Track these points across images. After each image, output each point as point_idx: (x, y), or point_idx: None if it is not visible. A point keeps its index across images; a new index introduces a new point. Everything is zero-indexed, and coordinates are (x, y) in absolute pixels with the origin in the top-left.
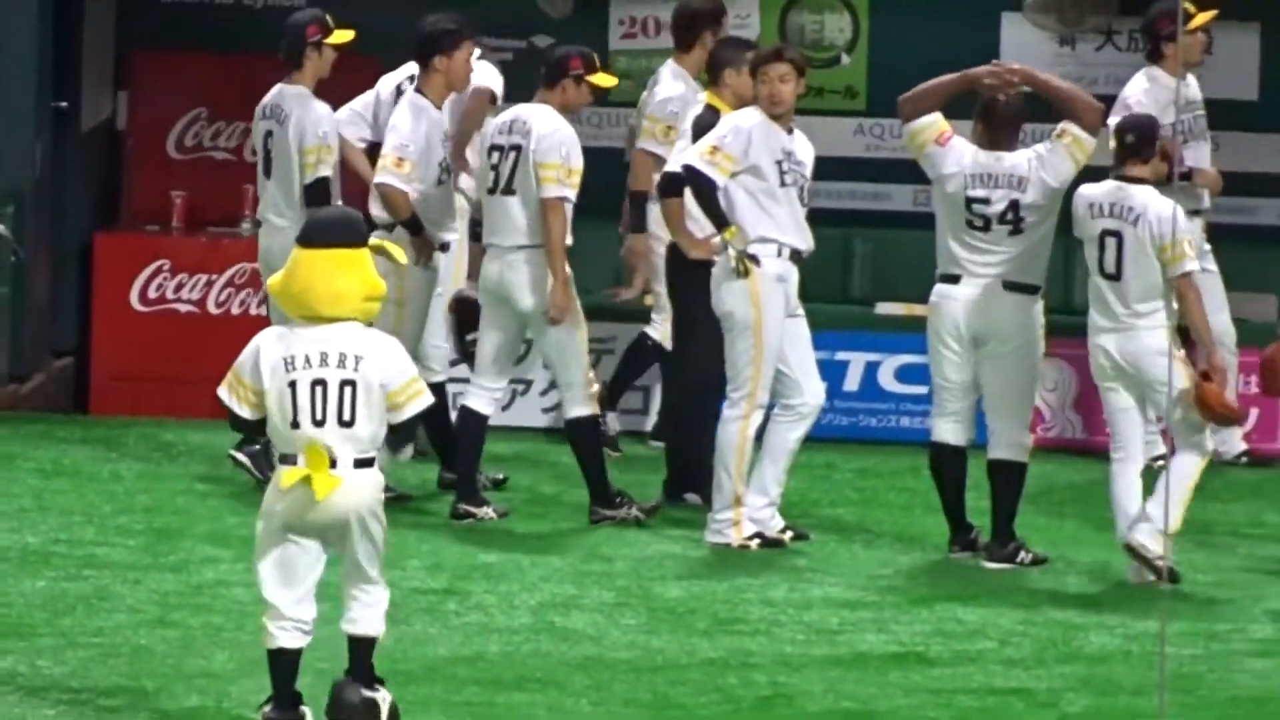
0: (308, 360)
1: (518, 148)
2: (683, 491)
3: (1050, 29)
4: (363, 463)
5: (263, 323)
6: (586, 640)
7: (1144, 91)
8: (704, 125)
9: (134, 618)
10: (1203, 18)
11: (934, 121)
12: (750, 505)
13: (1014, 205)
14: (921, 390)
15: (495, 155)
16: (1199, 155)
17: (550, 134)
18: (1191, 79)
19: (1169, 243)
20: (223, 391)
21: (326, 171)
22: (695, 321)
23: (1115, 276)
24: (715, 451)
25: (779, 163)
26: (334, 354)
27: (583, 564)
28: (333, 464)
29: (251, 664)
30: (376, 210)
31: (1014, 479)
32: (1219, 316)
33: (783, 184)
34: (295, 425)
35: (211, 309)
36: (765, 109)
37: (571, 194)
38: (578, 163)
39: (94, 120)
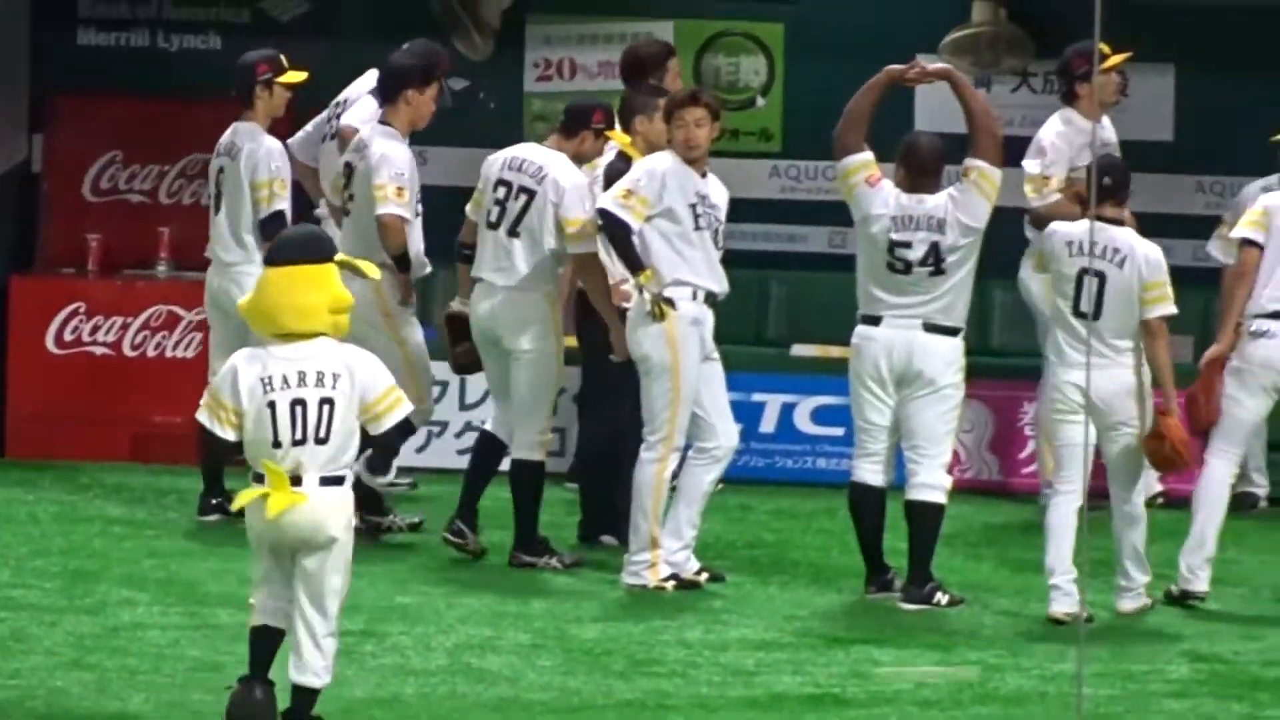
0: (285, 380)
1: (530, 192)
2: (599, 533)
3: (966, 71)
4: (330, 480)
5: (179, 364)
6: (503, 682)
7: (1059, 134)
8: (615, 173)
9: (50, 660)
10: (1117, 59)
11: (866, 161)
12: (666, 548)
13: (934, 248)
14: (837, 432)
15: (502, 190)
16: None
17: (573, 189)
18: (1107, 121)
19: (1156, 281)
20: (202, 415)
21: (282, 205)
22: (608, 364)
23: (1093, 315)
24: (632, 493)
25: (693, 206)
26: (312, 373)
27: (499, 605)
28: (297, 481)
29: (169, 706)
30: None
31: (932, 520)
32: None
33: (697, 227)
34: (276, 444)
35: (127, 351)
36: (680, 153)
37: (596, 246)
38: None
39: (9, 163)
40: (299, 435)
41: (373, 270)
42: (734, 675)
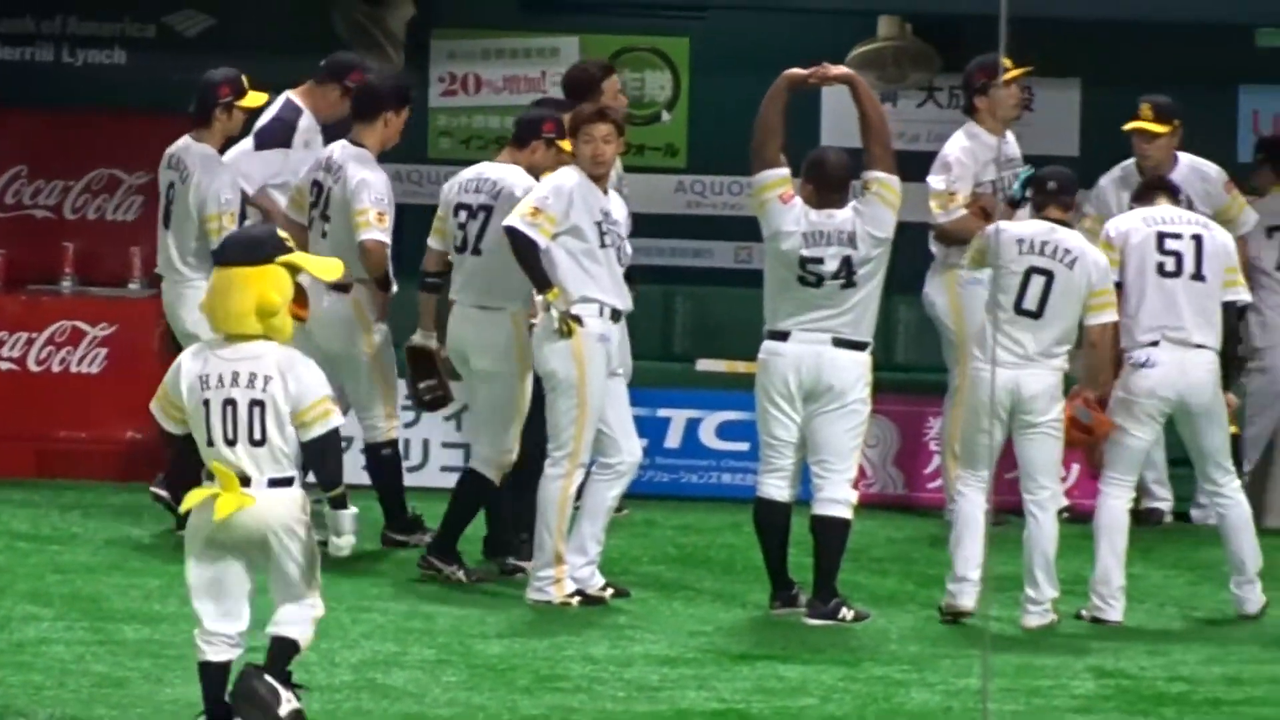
0: (220, 380)
1: (487, 208)
2: (500, 554)
3: (871, 86)
4: (279, 481)
5: (84, 380)
6: (408, 697)
7: (963, 149)
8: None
9: None
10: (1015, 72)
11: (783, 178)
12: (571, 564)
13: (847, 262)
14: (743, 447)
15: (463, 214)
16: (1018, 212)
17: (528, 197)
18: (1011, 136)
19: (1104, 289)
20: (154, 406)
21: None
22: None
23: (1035, 314)
24: (536, 510)
25: (598, 223)
26: (244, 374)
27: (405, 621)
28: (246, 482)
29: None
30: None
31: (838, 535)
32: None
33: (602, 245)
34: (210, 443)
35: (32, 367)
36: (588, 168)
37: None
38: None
39: None
40: (229, 435)
41: (330, 273)
42: (639, 691)
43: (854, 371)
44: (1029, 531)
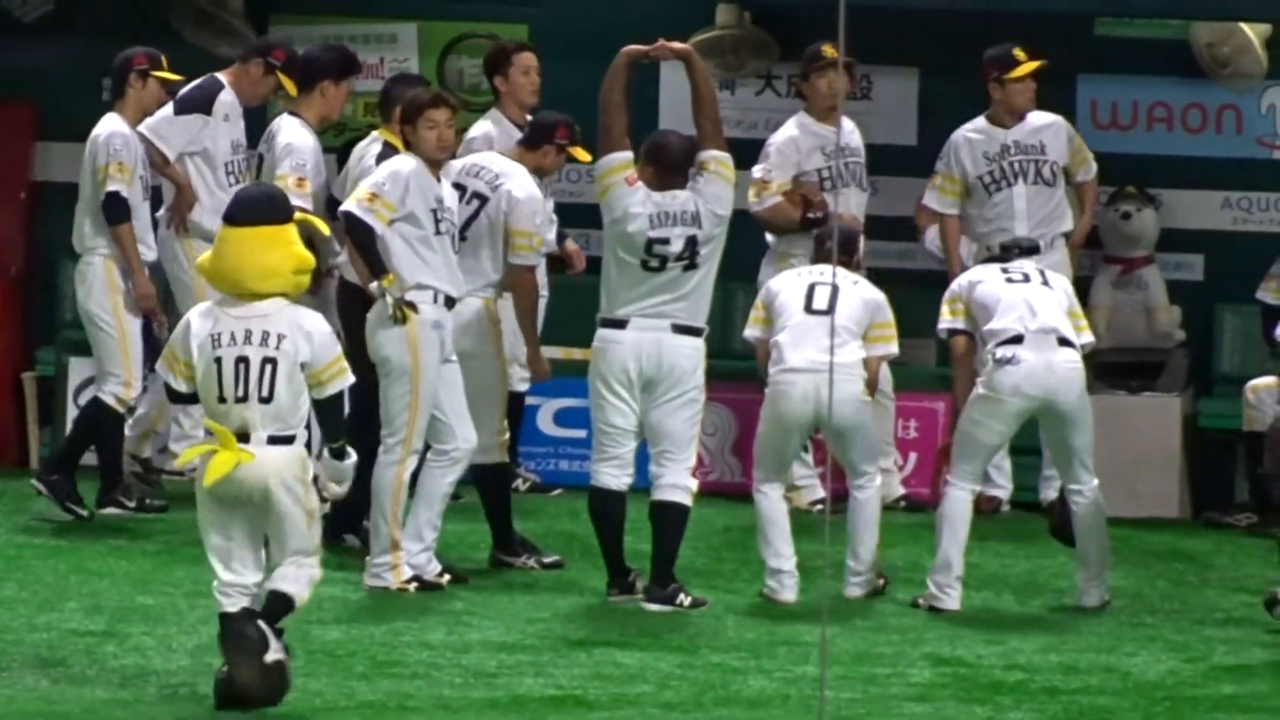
0: (233, 338)
1: (483, 198)
2: (342, 532)
3: (711, 74)
4: (279, 439)
5: None
6: None
7: (788, 139)
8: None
9: None
10: (831, 51)
11: (627, 161)
12: (407, 550)
13: (691, 241)
14: (580, 434)
15: (456, 193)
16: (848, 202)
17: (526, 200)
18: (850, 125)
19: (883, 321)
20: (160, 365)
21: (117, 187)
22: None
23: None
24: (371, 496)
25: (433, 210)
26: (257, 332)
27: None
28: (245, 439)
29: None
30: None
31: (677, 521)
32: None
33: (437, 231)
34: (221, 400)
35: None
36: (432, 154)
37: (538, 260)
38: (546, 232)
39: None
40: (241, 392)
41: (325, 228)
42: (476, 677)
43: (693, 359)
44: (850, 509)
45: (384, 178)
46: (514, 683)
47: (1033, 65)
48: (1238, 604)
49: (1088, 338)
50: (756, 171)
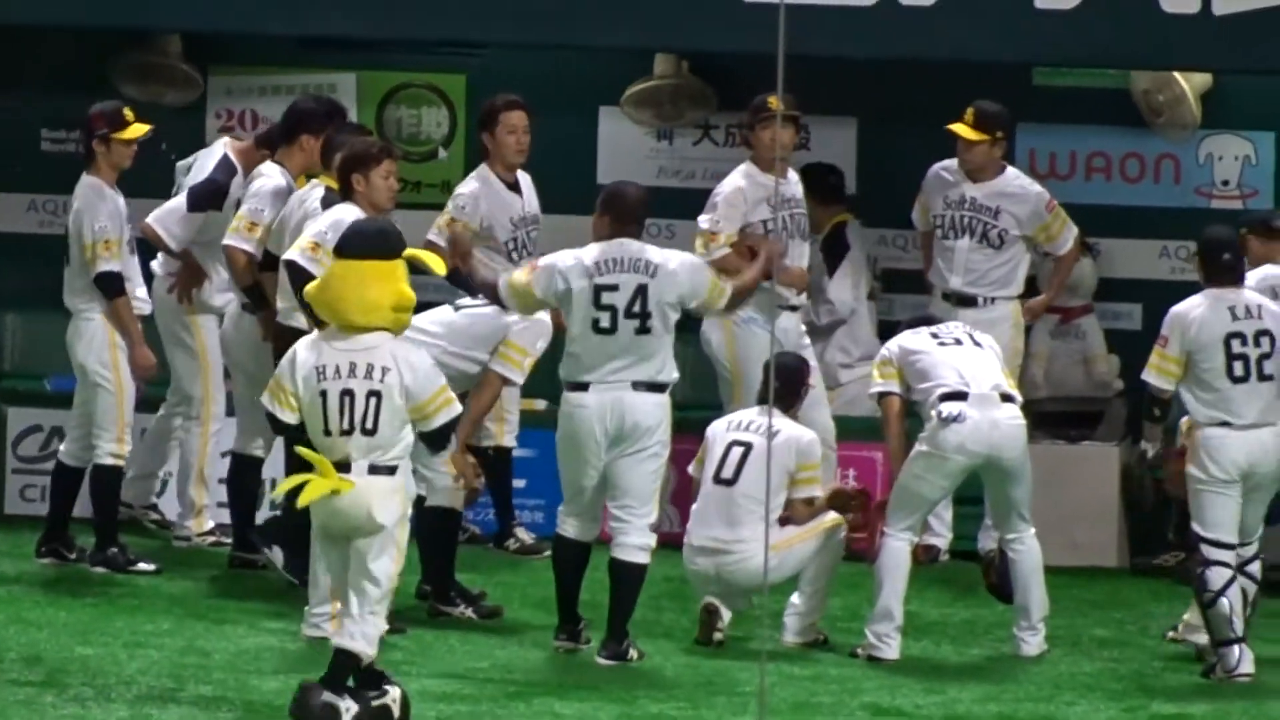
0: (338, 370)
1: None
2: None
3: (647, 123)
4: (380, 469)
5: None
6: None
7: (735, 189)
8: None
9: None
10: (775, 102)
11: (519, 273)
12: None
13: (642, 291)
14: (519, 483)
15: None
16: (796, 254)
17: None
18: (793, 176)
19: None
20: (265, 398)
21: (108, 266)
22: None
23: (730, 482)
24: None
25: None
26: (362, 365)
27: (180, 658)
28: (346, 468)
29: None
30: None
31: (635, 580)
32: (819, 411)
33: None
34: (327, 433)
35: None
36: (383, 204)
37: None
38: None
39: None
40: (346, 425)
41: (439, 267)
42: None
43: (655, 415)
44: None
45: (326, 226)
46: None
47: (971, 134)
48: (1176, 653)
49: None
50: (704, 222)
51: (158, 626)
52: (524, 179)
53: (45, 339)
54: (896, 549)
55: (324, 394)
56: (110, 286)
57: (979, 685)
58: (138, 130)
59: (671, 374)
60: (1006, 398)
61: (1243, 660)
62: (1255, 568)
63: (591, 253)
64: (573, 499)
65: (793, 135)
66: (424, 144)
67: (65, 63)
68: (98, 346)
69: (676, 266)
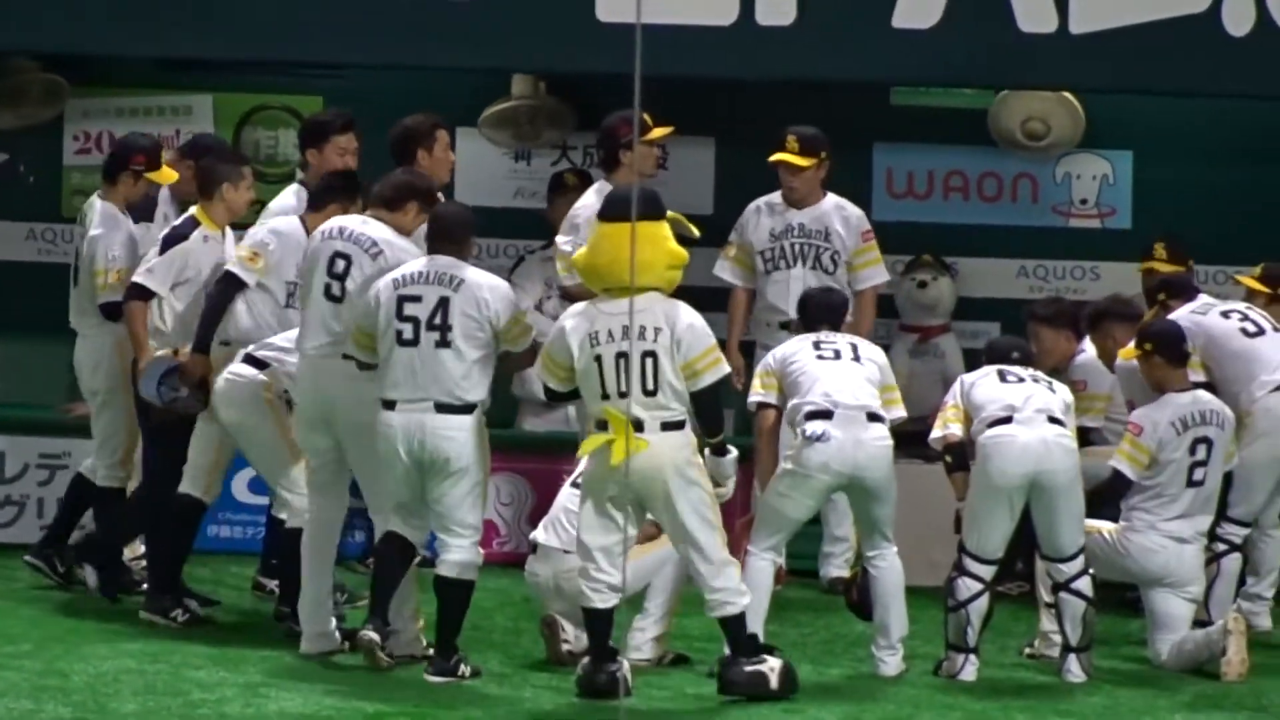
0: (610, 335)
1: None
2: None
3: (505, 144)
4: (670, 425)
5: None
6: None
7: (593, 209)
8: (179, 237)
9: None
10: (660, 131)
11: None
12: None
13: (444, 304)
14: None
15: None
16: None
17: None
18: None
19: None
20: (537, 370)
21: (114, 297)
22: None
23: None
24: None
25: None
26: (635, 327)
27: (40, 680)
28: (640, 428)
29: None
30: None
31: (461, 598)
32: None
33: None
34: (604, 396)
35: None
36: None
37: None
38: None
39: None
40: (623, 387)
41: (694, 230)
42: None
43: (458, 440)
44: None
45: (266, 236)
46: None
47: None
48: (1035, 672)
49: (898, 412)
50: (565, 245)
51: (18, 648)
52: None
53: None
54: (759, 568)
55: (599, 359)
56: (112, 316)
57: (838, 705)
58: (168, 176)
59: (478, 394)
60: (874, 417)
61: (966, 668)
62: (1083, 583)
63: (406, 268)
64: (395, 509)
65: (657, 155)
66: (281, 165)
67: None
68: (106, 367)
69: (485, 286)
